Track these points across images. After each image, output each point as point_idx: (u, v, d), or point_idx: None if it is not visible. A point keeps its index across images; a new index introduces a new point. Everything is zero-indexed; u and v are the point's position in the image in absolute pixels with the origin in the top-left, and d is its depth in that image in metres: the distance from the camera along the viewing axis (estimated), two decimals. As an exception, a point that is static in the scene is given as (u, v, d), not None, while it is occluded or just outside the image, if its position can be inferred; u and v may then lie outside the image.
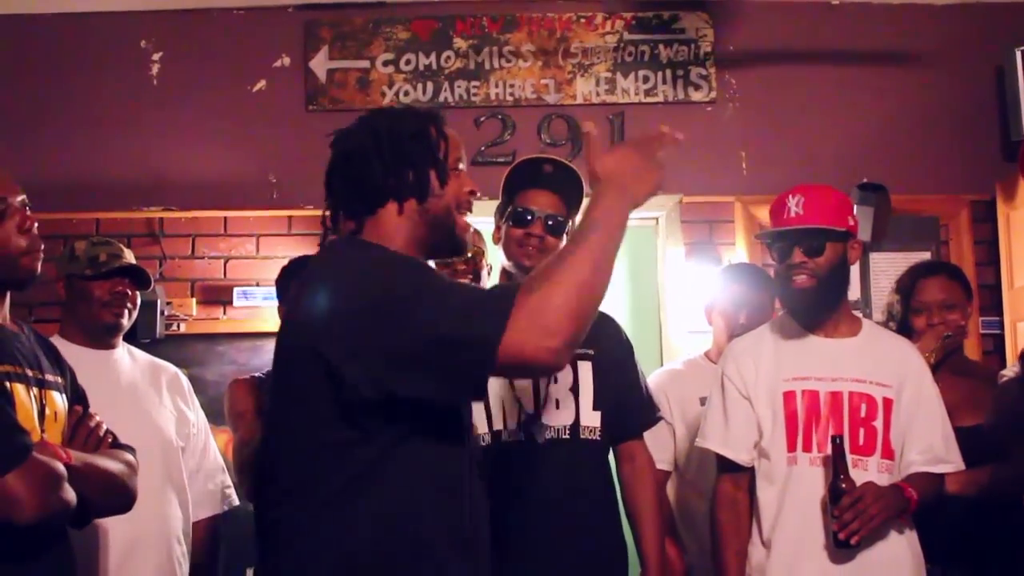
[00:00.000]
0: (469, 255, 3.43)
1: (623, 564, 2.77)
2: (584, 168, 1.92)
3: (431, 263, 2.10)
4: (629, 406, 2.83)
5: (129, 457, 2.34)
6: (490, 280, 3.34)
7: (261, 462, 2.08)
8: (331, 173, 2.04)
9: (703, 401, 2.99)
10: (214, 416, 3.38)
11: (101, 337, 3.05)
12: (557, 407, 2.71)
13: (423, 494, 1.84)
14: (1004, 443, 2.81)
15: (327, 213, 2.04)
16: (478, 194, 2.07)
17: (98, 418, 2.33)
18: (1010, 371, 2.43)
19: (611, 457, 2.84)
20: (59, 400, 2.26)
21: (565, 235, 2.77)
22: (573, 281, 1.69)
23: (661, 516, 2.83)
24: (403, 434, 1.82)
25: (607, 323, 2.87)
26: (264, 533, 1.95)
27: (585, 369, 2.74)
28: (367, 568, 1.80)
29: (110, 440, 2.32)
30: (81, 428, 2.26)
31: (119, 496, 2.26)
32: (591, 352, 2.75)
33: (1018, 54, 4.38)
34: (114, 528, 2.67)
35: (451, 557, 1.85)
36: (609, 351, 2.80)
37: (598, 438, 2.74)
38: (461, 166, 2.06)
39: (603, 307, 2.89)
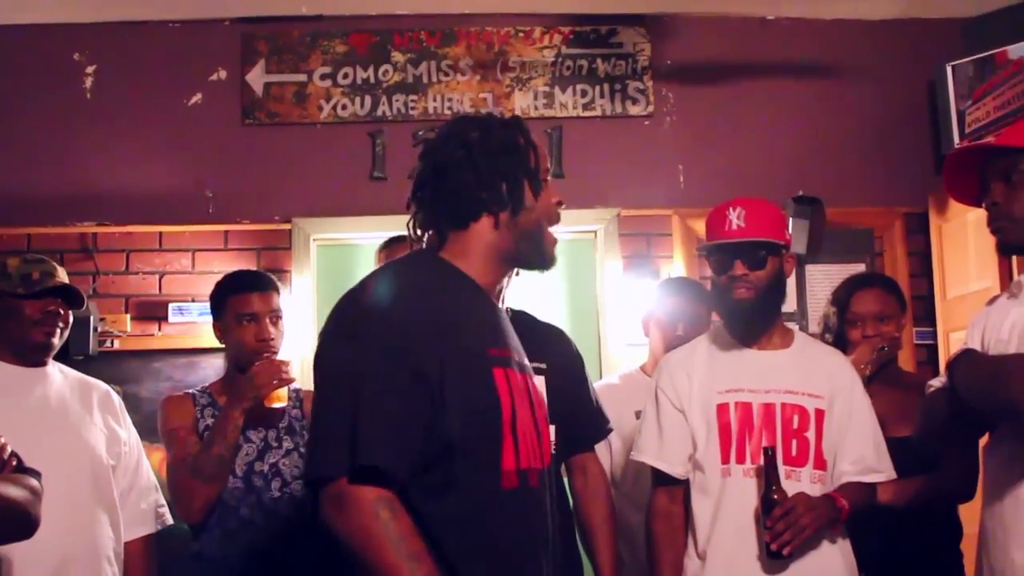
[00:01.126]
0: None
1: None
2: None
3: None
4: (581, 419, 2.83)
5: (33, 482, 2.26)
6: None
7: None
8: (421, 186, 2.00)
9: (639, 415, 2.99)
10: (149, 433, 3.33)
11: (30, 356, 2.99)
12: None
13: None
14: (932, 453, 2.83)
15: (412, 226, 2.01)
16: (563, 204, 2.05)
17: (2, 440, 2.26)
18: (937, 381, 2.45)
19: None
20: None
21: None
22: None
23: (614, 528, 2.83)
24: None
25: (558, 336, 2.87)
26: None
27: (539, 383, 2.73)
28: None
29: (14, 463, 2.25)
30: None
31: (17, 523, 2.18)
32: (543, 366, 2.74)
33: (949, 69, 4.46)
34: (42, 547, 2.60)
35: None
36: (560, 364, 2.80)
37: (552, 452, 2.71)
38: (548, 178, 2.04)
39: (546, 319, 2.91)
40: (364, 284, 1.91)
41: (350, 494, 1.70)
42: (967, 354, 2.31)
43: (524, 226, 1.96)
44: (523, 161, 1.97)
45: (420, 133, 1.91)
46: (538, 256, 2.02)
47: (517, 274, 2.76)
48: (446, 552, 1.77)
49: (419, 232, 2.00)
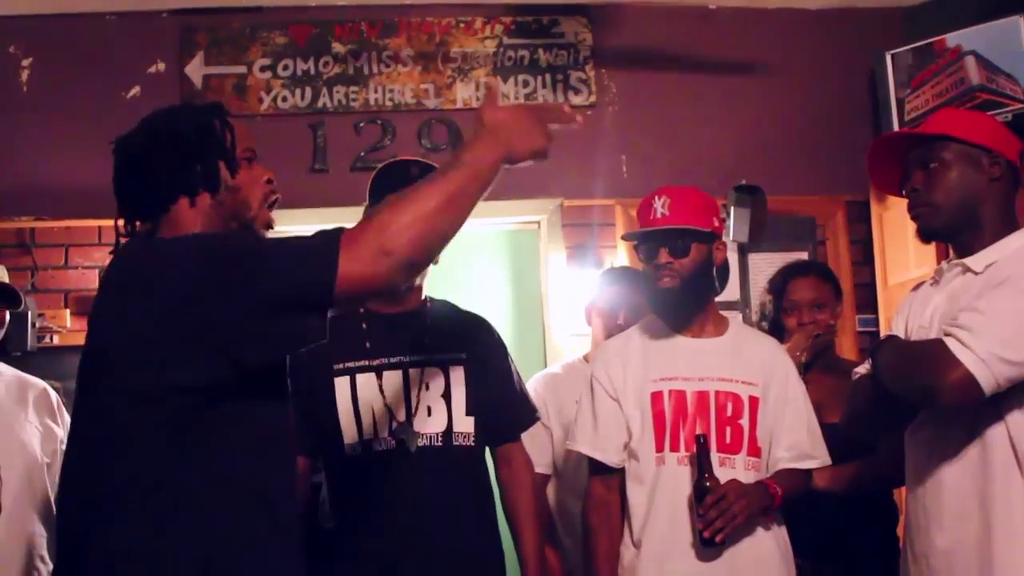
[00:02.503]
0: None
1: (500, 571, 2.76)
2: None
3: None
4: (504, 409, 2.81)
5: None
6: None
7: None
8: (117, 180, 1.99)
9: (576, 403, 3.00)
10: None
11: (-35, 354, 2.96)
12: (429, 414, 2.67)
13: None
14: (858, 439, 2.86)
15: (119, 222, 1.98)
16: (274, 182, 2.01)
17: None
18: (863, 368, 2.48)
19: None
20: None
21: None
22: (419, 209, 1.67)
23: (540, 519, 2.82)
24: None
25: (479, 326, 2.85)
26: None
27: (457, 374, 2.72)
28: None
29: None
30: None
31: None
32: (463, 356, 2.73)
33: (888, 58, 4.48)
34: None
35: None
36: (481, 354, 2.78)
37: (472, 444, 2.70)
38: (253, 156, 2.01)
39: (482, 310, 2.90)
40: (141, 254, 1.87)
41: None
42: (890, 340, 2.34)
43: (230, 206, 1.94)
44: (216, 140, 1.94)
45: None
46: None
47: None
48: None
49: (128, 227, 1.97)
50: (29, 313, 4.01)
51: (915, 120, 4.34)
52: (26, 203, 4.33)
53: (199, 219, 1.91)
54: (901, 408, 2.29)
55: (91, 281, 4.33)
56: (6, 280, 3.04)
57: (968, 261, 2.27)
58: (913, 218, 2.36)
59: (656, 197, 2.67)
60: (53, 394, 3.16)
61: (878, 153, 2.44)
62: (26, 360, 3.63)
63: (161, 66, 4.49)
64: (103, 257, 4.33)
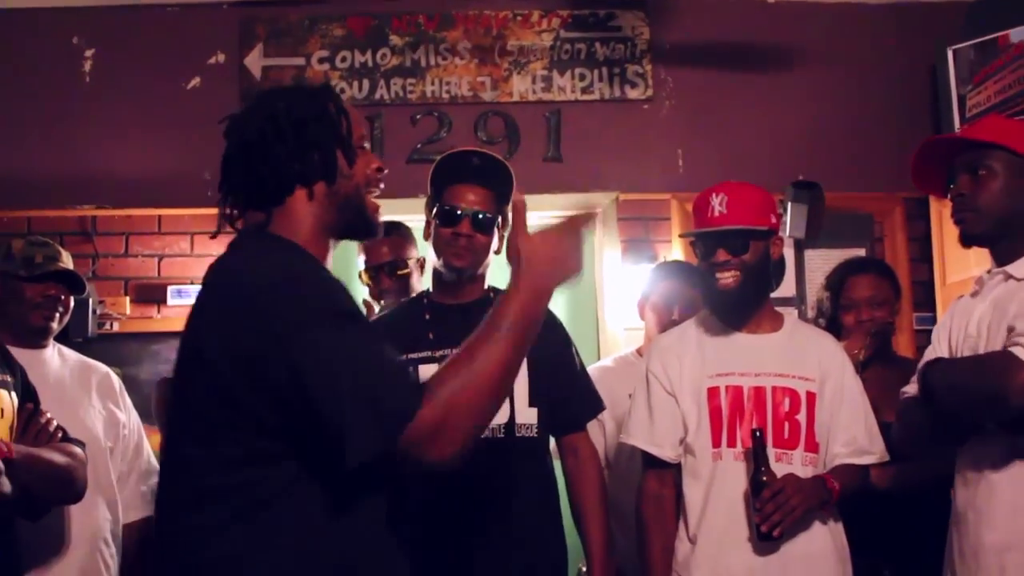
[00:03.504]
0: (398, 273, 3.43)
1: (561, 563, 2.76)
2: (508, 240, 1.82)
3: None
4: (569, 399, 2.81)
5: (77, 450, 2.42)
6: (422, 280, 3.34)
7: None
8: (229, 165, 1.90)
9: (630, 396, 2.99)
10: (148, 416, 3.34)
11: (29, 338, 3.01)
12: None
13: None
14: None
15: (229, 210, 1.89)
16: (385, 171, 1.96)
17: (48, 415, 2.40)
18: (911, 388, 2.48)
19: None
20: (7, 397, 2.33)
21: (496, 230, 2.76)
22: (480, 387, 1.64)
23: (606, 509, 2.82)
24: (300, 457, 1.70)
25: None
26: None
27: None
28: None
29: (60, 435, 2.40)
30: (32, 424, 2.35)
31: (65, 486, 2.37)
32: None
33: (950, 53, 4.43)
34: (38, 529, 2.64)
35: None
36: (545, 344, 2.77)
37: (535, 435, 2.72)
38: (366, 144, 1.96)
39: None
40: (254, 265, 1.76)
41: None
42: (939, 362, 2.34)
43: (344, 195, 1.87)
44: (334, 128, 1.87)
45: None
46: (360, 224, 1.93)
47: (506, 225, 2.78)
48: None
49: (236, 213, 1.89)
50: (90, 300, 4.08)
51: (976, 116, 4.29)
52: (88, 192, 4.40)
53: (314, 210, 1.85)
54: (956, 427, 2.30)
55: (150, 269, 4.41)
56: (71, 267, 3.08)
57: (1010, 268, 2.31)
58: (956, 222, 2.40)
59: (713, 194, 2.66)
60: (116, 379, 3.21)
61: (924, 153, 2.47)
62: (86, 347, 3.69)
63: (221, 57, 4.54)
64: (162, 245, 4.41)
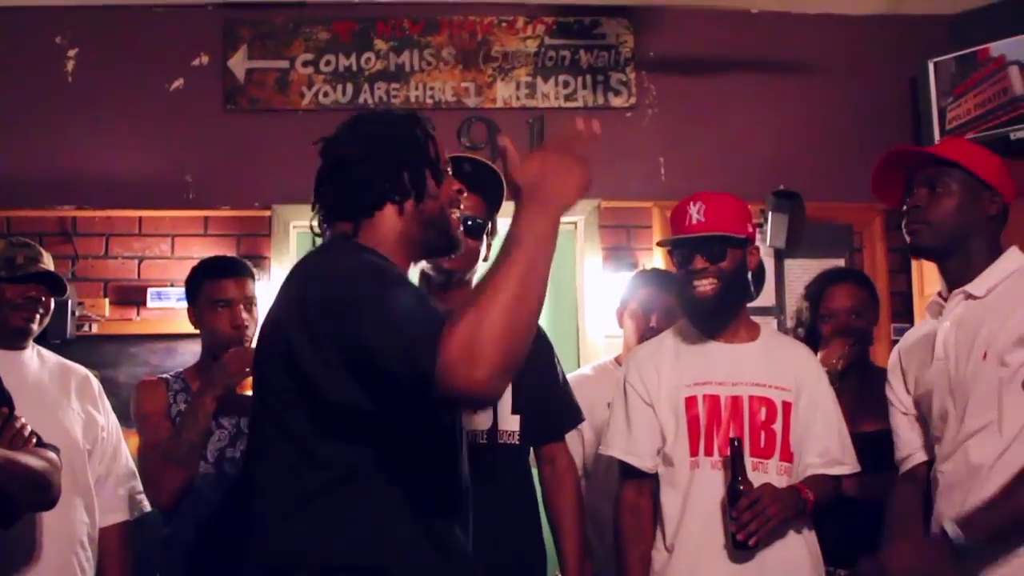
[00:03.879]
0: None
1: (540, 571, 2.77)
2: (505, 178, 1.85)
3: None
4: (549, 408, 2.82)
5: (52, 455, 2.40)
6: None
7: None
8: (323, 180, 2.04)
9: (611, 406, 3.00)
10: (126, 419, 3.32)
11: (8, 340, 2.99)
12: (474, 412, 2.69)
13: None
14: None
15: (315, 222, 2.05)
16: (465, 192, 2.10)
17: (22, 420, 2.38)
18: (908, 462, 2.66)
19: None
20: None
21: (486, 236, 2.77)
22: (498, 305, 1.61)
23: (582, 519, 2.83)
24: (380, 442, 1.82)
25: None
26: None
27: None
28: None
29: (34, 440, 2.38)
30: (7, 429, 2.33)
31: (42, 491, 2.34)
32: None
33: (931, 66, 4.46)
34: (15, 531, 2.62)
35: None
36: (529, 354, 2.79)
37: (516, 442, 2.73)
38: (449, 168, 2.10)
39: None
40: (335, 268, 1.89)
41: None
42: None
43: (429, 214, 2.01)
44: (423, 151, 2.03)
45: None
46: (445, 242, 2.08)
47: (494, 233, 2.83)
48: None
49: (324, 226, 2.04)
50: (69, 302, 4.06)
51: (957, 129, 4.33)
52: (68, 192, 4.39)
53: (401, 225, 1.99)
54: None
55: (130, 271, 4.39)
56: (52, 268, 3.07)
57: (969, 288, 2.39)
58: (908, 232, 2.48)
59: (691, 203, 2.68)
60: (95, 381, 3.19)
61: (887, 164, 2.53)
62: (65, 348, 3.67)
63: (205, 59, 4.53)
64: (143, 247, 4.40)
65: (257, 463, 1.93)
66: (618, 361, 3.50)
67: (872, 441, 2.88)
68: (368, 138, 2.01)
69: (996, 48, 4.28)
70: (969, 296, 2.40)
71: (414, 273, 2.40)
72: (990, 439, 2.29)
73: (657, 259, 4.44)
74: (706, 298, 2.65)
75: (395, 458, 1.82)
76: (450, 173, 2.10)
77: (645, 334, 3.28)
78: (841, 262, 4.44)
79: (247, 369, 2.93)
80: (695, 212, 2.65)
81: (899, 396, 2.60)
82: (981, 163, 2.44)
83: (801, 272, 4.37)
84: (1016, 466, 2.23)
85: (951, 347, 2.39)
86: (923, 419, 2.54)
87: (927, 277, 4.40)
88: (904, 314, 4.52)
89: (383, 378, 1.69)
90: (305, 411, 1.82)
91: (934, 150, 2.52)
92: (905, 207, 2.48)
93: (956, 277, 2.44)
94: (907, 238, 2.49)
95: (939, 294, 2.51)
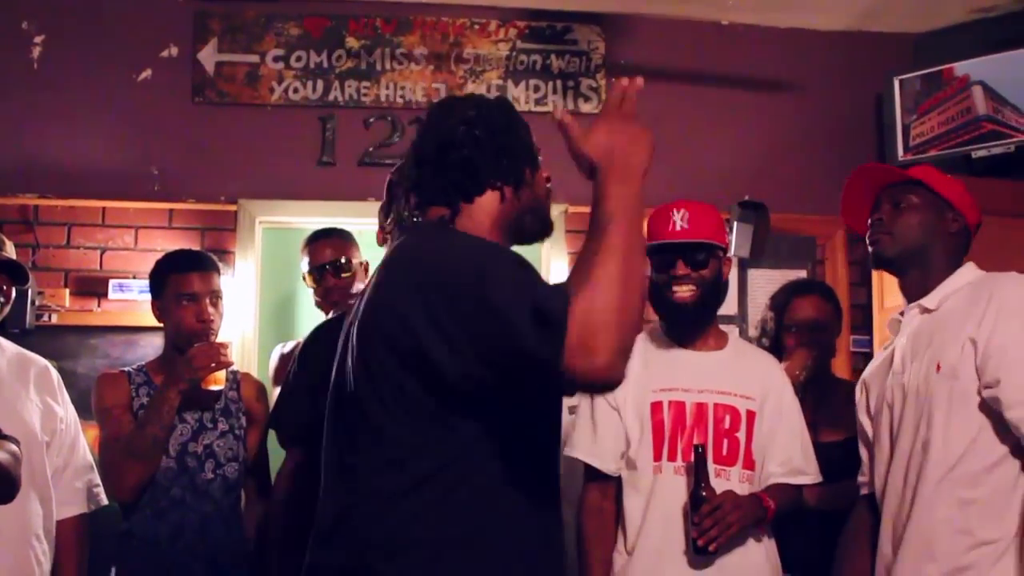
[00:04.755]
0: (341, 262, 3.44)
1: None
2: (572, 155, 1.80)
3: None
4: None
5: (13, 447, 2.38)
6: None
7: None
8: (422, 164, 2.02)
9: (571, 410, 3.01)
10: (85, 411, 3.29)
11: (-32, 329, 2.96)
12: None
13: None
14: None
15: (409, 204, 2.04)
16: (551, 180, 2.11)
17: None
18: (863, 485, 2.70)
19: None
20: None
21: None
22: (608, 287, 1.58)
23: None
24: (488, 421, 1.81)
25: None
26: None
27: None
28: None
29: None
30: None
31: (2, 485, 2.31)
32: None
33: (896, 83, 4.52)
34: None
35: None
36: None
37: None
38: (539, 155, 2.10)
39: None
40: (435, 248, 1.87)
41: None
42: None
43: (526, 200, 2.02)
44: (521, 137, 2.04)
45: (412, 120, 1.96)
46: (539, 226, 2.09)
47: None
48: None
49: (419, 210, 2.02)
50: (29, 291, 4.02)
51: (920, 145, 4.39)
52: (30, 180, 4.33)
53: (500, 211, 1.99)
54: None
55: (92, 261, 4.34)
56: (14, 256, 3.04)
57: (923, 302, 2.47)
58: (870, 243, 2.56)
59: (674, 210, 2.71)
60: (54, 372, 3.16)
61: (854, 184, 2.64)
62: (23, 338, 3.62)
63: (174, 50, 4.49)
64: (105, 238, 4.35)
65: (346, 449, 1.89)
66: None
67: (832, 451, 2.92)
68: (468, 122, 2.00)
69: (961, 68, 4.35)
70: (924, 310, 2.47)
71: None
72: (936, 455, 2.32)
73: (622, 265, 4.46)
74: (685, 304, 2.68)
75: (504, 444, 1.81)
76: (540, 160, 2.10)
77: None
78: (803, 273, 4.49)
79: (212, 365, 2.93)
80: (679, 219, 2.68)
81: (862, 422, 2.64)
82: (944, 184, 2.53)
83: (764, 282, 4.42)
84: (964, 485, 2.28)
85: (907, 360, 2.45)
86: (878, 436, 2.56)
87: (887, 289, 4.46)
88: (864, 327, 4.58)
89: (509, 357, 1.64)
90: (417, 394, 1.78)
91: (904, 169, 2.63)
92: (869, 222, 2.56)
93: (915, 291, 2.51)
94: (869, 248, 2.56)
95: (901, 313, 2.57)
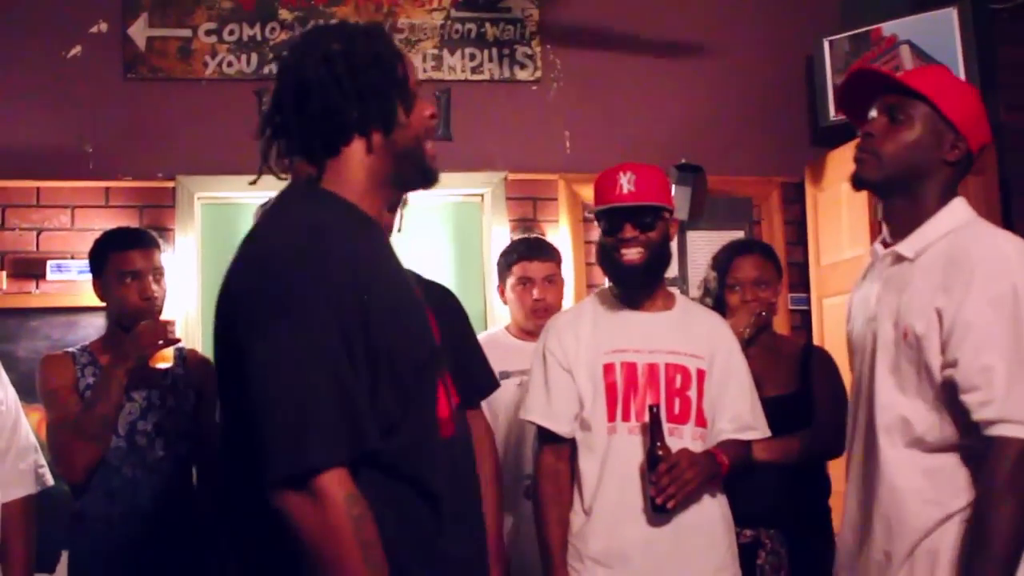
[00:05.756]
0: None
1: None
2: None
3: None
4: (466, 376, 2.82)
5: None
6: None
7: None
8: (280, 110, 1.80)
9: (503, 375, 3.05)
10: (27, 394, 3.24)
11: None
12: None
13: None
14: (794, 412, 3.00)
15: (269, 155, 1.83)
16: (438, 117, 1.92)
17: None
18: None
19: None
20: None
21: (399, 208, 2.77)
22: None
23: (501, 485, 2.86)
24: None
25: (444, 293, 2.88)
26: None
27: None
28: None
29: None
30: None
31: None
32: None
33: (826, 44, 4.60)
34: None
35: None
36: (448, 321, 2.79)
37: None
38: (419, 89, 1.85)
39: (433, 278, 2.95)
40: (265, 240, 1.74)
41: (324, 489, 1.55)
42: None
43: (401, 145, 1.81)
44: (391, 74, 1.79)
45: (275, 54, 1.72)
46: (420, 175, 1.88)
47: (404, 204, 2.76)
48: (400, 510, 1.70)
49: (286, 161, 1.83)
50: (-35, 274, 3.95)
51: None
52: (-37, 162, 4.24)
53: (372, 162, 1.79)
54: None
55: (28, 243, 4.28)
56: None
57: (899, 249, 2.22)
58: (855, 160, 2.28)
59: (620, 172, 2.71)
60: (-9, 357, 3.12)
61: (854, 84, 2.35)
62: (-40, 322, 3.57)
63: (103, 26, 4.42)
64: (41, 219, 4.29)
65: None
66: (509, 331, 3.61)
67: (776, 405, 2.97)
68: (328, 59, 1.75)
69: (888, 28, 4.44)
70: (900, 258, 2.22)
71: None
72: (896, 422, 2.17)
73: (564, 229, 4.50)
74: (634, 266, 2.69)
75: None
76: (420, 95, 1.85)
77: (532, 307, 3.38)
78: (741, 234, 4.54)
79: (160, 342, 2.91)
80: (625, 182, 2.69)
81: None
82: (953, 102, 2.21)
83: (703, 244, 4.47)
84: (943, 477, 2.11)
85: (882, 309, 2.22)
86: None
87: (824, 248, 4.56)
88: (801, 284, 4.67)
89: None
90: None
91: (906, 78, 2.26)
92: (859, 133, 2.30)
93: (899, 222, 2.25)
94: (854, 164, 2.28)
95: (882, 240, 2.33)
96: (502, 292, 3.67)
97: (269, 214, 1.84)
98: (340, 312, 1.62)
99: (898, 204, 2.26)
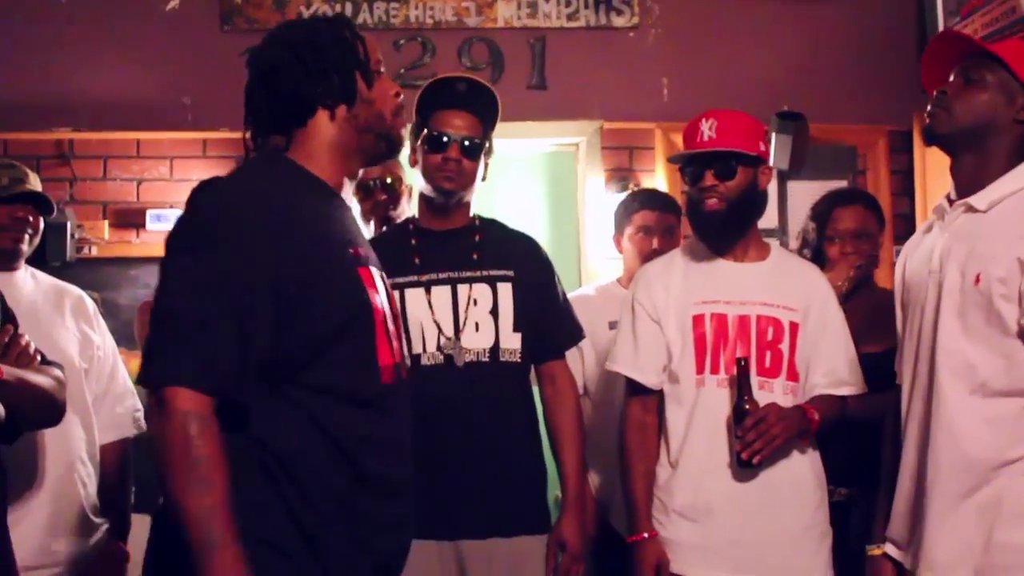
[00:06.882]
0: (388, 181, 3.41)
1: (541, 487, 2.79)
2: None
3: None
4: (550, 326, 2.82)
5: (58, 373, 2.42)
6: (411, 205, 3.31)
7: None
8: (251, 91, 1.99)
9: (612, 326, 2.99)
10: (127, 341, 3.33)
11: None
12: (477, 330, 2.70)
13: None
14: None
15: (247, 135, 2.00)
16: (402, 96, 2.05)
17: (26, 338, 2.38)
18: None
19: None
20: None
21: (483, 156, 2.76)
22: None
23: (582, 436, 2.84)
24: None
25: (527, 244, 2.86)
26: None
27: (505, 291, 2.73)
28: None
29: (39, 358, 2.39)
30: (13, 346, 2.33)
31: (49, 409, 2.36)
32: (510, 273, 2.75)
33: (938, -15, 4.43)
34: (13, 448, 2.64)
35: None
36: (529, 271, 2.79)
37: (518, 360, 2.73)
38: (382, 68, 2.04)
39: (522, 229, 2.92)
40: (214, 187, 1.89)
41: (168, 403, 1.69)
42: None
43: (365, 119, 1.99)
44: (352, 53, 1.98)
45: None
46: (383, 146, 2.05)
47: (489, 152, 2.81)
48: (338, 448, 1.85)
49: (257, 140, 2.00)
50: (68, 224, 4.05)
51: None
52: (65, 115, 4.35)
53: (335, 132, 1.97)
54: None
55: (129, 193, 4.37)
56: (39, 188, 3.05)
57: (972, 200, 2.23)
58: (927, 115, 2.32)
59: (703, 120, 2.65)
60: (90, 302, 3.19)
61: (935, 53, 2.39)
62: (65, 271, 3.67)
63: (201, -22, 4.46)
64: (141, 169, 4.37)
65: None
66: (620, 282, 3.50)
67: (876, 361, 2.87)
68: (292, 45, 1.95)
69: (1005, -34, 4.23)
70: (970, 209, 2.23)
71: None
72: (962, 369, 2.18)
73: (660, 180, 4.42)
74: (714, 213, 2.63)
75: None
76: (384, 75, 2.04)
77: (649, 257, 3.28)
78: (844, 183, 4.41)
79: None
80: (707, 129, 2.62)
81: (895, 307, 2.50)
82: None
83: (804, 194, 4.32)
84: (1005, 424, 2.13)
85: (949, 260, 2.23)
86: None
87: (931, 199, 4.39)
88: (906, 236, 4.40)
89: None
90: None
91: (985, 42, 2.35)
92: (935, 89, 2.32)
93: (967, 179, 2.27)
94: (926, 120, 2.33)
95: (947, 196, 2.35)
96: (618, 242, 3.57)
97: (233, 175, 2.01)
98: (249, 259, 1.76)
99: (967, 160, 2.28)
